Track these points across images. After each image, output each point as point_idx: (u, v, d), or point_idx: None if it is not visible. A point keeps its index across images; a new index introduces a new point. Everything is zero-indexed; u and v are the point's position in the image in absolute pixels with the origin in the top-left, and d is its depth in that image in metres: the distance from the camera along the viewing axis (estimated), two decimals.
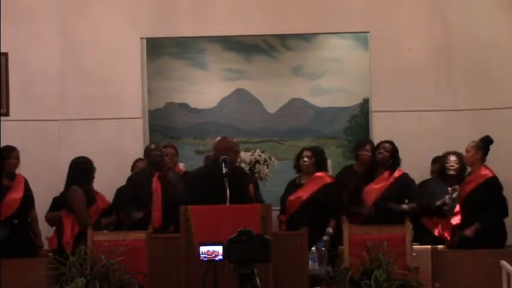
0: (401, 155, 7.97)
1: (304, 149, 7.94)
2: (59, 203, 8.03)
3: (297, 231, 6.81)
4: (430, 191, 7.84)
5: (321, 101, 10.62)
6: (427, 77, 9.03)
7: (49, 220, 8.06)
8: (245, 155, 8.87)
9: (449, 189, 7.80)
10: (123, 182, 8.10)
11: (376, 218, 7.53)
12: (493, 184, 7.63)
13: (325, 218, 7.53)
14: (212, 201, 6.56)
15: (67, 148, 8.88)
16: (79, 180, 7.84)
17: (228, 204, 6.47)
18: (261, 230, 6.27)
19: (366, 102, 10.16)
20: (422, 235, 7.52)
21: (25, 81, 9.05)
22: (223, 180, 6.53)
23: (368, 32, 9.27)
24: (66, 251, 6.70)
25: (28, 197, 7.69)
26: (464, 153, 7.80)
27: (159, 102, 10.57)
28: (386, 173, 7.72)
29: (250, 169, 8.78)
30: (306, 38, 10.48)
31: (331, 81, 10.62)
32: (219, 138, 7.08)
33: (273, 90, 10.64)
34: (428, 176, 8.21)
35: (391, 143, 7.81)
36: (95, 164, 7.95)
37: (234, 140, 7.09)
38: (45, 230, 8.06)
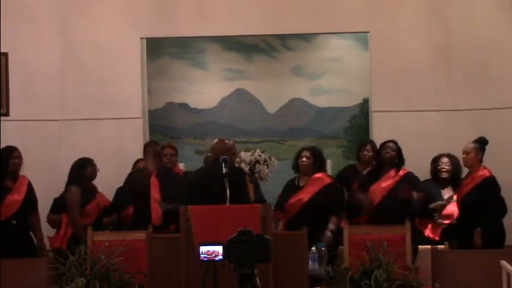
0: None
1: (303, 149, 7.94)
2: (59, 204, 8.04)
3: (297, 231, 6.80)
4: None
5: (321, 101, 10.63)
6: (427, 77, 9.03)
7: (50, 222, 8.08)
8: (245, 155, 8.87)
9: (445, 196, 7.82)
10: (123, 182, 8.11)
11: (382, 215, 7.50)
12: (490, 183, 7.64)
13: (326, 219, 7.51)
14: (212, 201, 6.56)
15: (67, 148, 8.89)
16: (76, 179, 7.86)
17: (228, 204, 6.47)
18: (261, 230, 6.27)
19: (365, 102, 10.17)
20: (413, 236, 7.51)
21: (25, 81, 9.05)
22: (223, 180, 6.53)
23: (368, 32, 9.27)
24: (65, 251, 6.70)
25: (30, 199, 7.67)
26: (463, 155, 7.79)
27: (159, 102, 10.57)
28: (392, 172, 7.72)
29: (250, 169, 8.78)
30: (306, 38, 10.49)
31: (331, 81, 10.63)
32: (216, 140, 7.10)
33: (273, 90, 10.65)
34: (428, 176, 8.21)
35: (395, 142, 7.82)
36: (96, 164, 7.96)
37: (231, 142, 7.10)
38: (47, 230, 8.07)
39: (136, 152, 8.75)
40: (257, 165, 8.88)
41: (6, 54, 8.96)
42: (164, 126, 10.61)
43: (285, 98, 10.68)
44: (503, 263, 6.31)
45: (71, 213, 7.78)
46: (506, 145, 8.63)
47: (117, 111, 9.08)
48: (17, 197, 7.58)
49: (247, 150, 9.19)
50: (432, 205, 7.72)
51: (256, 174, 8.83)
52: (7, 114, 8.97)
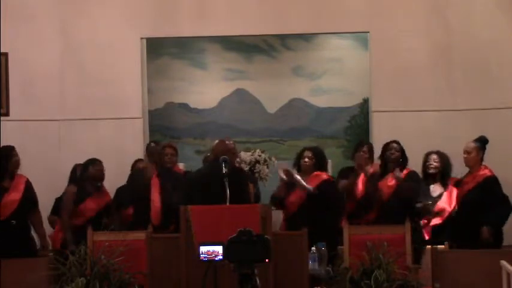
0: None
1: (305, 149, 7.94)
2: (59, 204, 8.05)
3: (297, 231, 6.80)
4: None
5: (321, 101, 10.63)
6: (427, 77, 9.03)
7: (50, 223, 8.08)
8: (245, 155, 8.88)
9: (435, 193, 7.83)
10: (123, 182, 8.11)
11: (388, 214, 7.51)
12: (492, 183, 7.64)
13: (325, 216, 7.52)
14: (212, 201, 6.56)
15: (67, 148, 8.89)
16: (75, 179, 7.86)
17: (228, 204, 6.48)
18: (261, 230, 6.27)
19: (365, 102, 10.17)
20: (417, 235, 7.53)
21: (25, 81, 9.05)
22: (223, 180, 6.53)
23: (368, 32, 9.27)
24: (65, 251, 6.70)
25: (28, 198, 7.65)
26: (464, 155, 7.79)
27: (159, 102, 10.58)
28: (396, 171, 7.74)
29: (250, 169, 8.79)
30: (306, 38, 10.50)
31: (331, 81, 10.63)
32: (216, 141, 7.10)
33: (273, 90, 10.66)
34: None
35: (398, 142, 7.83)
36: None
37: (232, 143, 7.10)
38: (49, 230, 8.07)
39: (136, 152, 8.76)
40: (257, 165, 8.88)
41: (6, 54, 8.97)
42: (164, 126, 10.61)
43: (285, 98, 10.68)
44: (503, 263, 6.31)
45: (61, 213, 7.83)
46: (506, 145, 8.63)
47: (117, 111, 9.08)
48: (14, 196, 7.55)
49: (247, 150, 9.20)
50: (418, 205, 7.69)
51: (256, 174, 8.83)
52: (7, 114, 8.97)
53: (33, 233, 7.77)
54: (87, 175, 7.88)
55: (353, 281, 6.20)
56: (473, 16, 9.02)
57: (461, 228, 7.67)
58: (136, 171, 8.16)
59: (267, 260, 5.47)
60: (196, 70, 10.73)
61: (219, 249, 5.54)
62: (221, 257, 5.54)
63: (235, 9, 9.14)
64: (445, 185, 7.85)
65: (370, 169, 7.97)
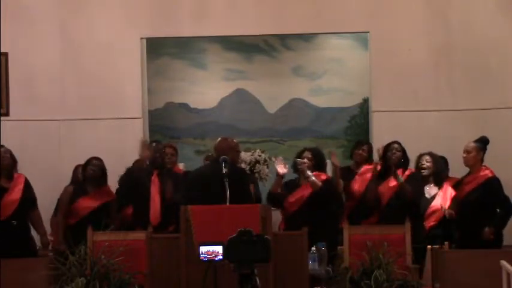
0: None
1: (304, 149, 7.94)
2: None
3: (297, 231, 6.80)
4: None
5: (321, 101, 10.63)
6: (427, 77, 9.04)
7: (51, 225, 8.07)
8: (245, 155, 8.88)
9: (430, 193, 7.83)
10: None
11: (390, 215, 7.50)
12: (494, 184, 7.64)
13: (325, 215, 7.51)
14: (212, 201, 6.56)
15: (67, 148, 8.89)
16: (75, 179, 7.87)
17: (228, 204, 6.47)
18: (261, 230, 6.27)
19: (365, 102, 10.17)
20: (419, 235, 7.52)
21: (25, 81, 9.06)
22: (224, 180, 6.53)
23: (368, 32, 9.27)
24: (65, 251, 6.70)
25: (28, 197, 7.66)
26: (463, 154, 7.79)
27: (159, 102, 10.58)
28: (399, 172, 7.71)
29: (250, 169, 8.78)
30: (306, 38, 10.50)
31: (331, 81, 10.64)
32: (219, 139, 7.08)
33: (273, 90, 10.66)
34: None
35: (399, 143, 7.81)
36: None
37: (235, 141, 7.09)
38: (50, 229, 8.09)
39: (136, 152, 8.72)
40: (257, 165, 8.88)
41: (6, 54, 8.97)
42: (164, 126, 10.61)
43: (285, 98, 10.69)
44: (503, 263, 6.31)
45: (57, 213, 7.86)
46: (506, 145, 8.63)
47: (117, 111, 9.08)
48: (14, 196, 7.56)
49: (247, 150, 9.19)
50: None
51: (256, 174, 8.83)
52: (7, 114, 8.97)
53: (32, 233, 7.79)
54: (84, 175, 7.88)
55: (353, 281, 6.20)
56: (474, 16, 9.02)
57: (462, 228, 7.67)
58: (137, 169, 8.12)
59: (267, 260, 5.47)
60: (196, 70, 10.73)
61: (219, 249, 5.54)
62: (221, 257, 5.54)
63: (235, 9, 9.15)
64: (439, 186, 7.86)
65: (368, 168, 7.98)
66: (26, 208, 7.64)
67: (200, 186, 6.87)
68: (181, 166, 8.70)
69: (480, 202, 7.57)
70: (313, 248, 6.64)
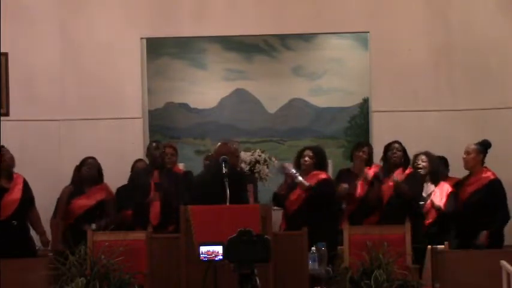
0: None
1: (305, 148, 7.94)
2: None
3: (297, 231, 6.80)
4: None
5: (321, 101, 10.63)
6: (427, 77, 9.03)
7: (51, 226, 8.06)
8: (245, 155, 8.88)
9: (429, 190, 7.85)
10: (123, 182, 8.10)
11: (391, 214, 7.50)
12: (497, 186, 7.65)
13: (324, 215, 7.51)
14: (212, 201, 6.57)
15: (67, 148, 8.89)
16: (74, 180, 7.89)
17: (228, 204, 6.48)
18: (261, 230, 6.27)
19: (365, 102, 10.17)
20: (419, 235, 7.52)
21: (25, 81, 9.05)
22: (224, 180, 6.53)
23: (368, 32, 9.27)
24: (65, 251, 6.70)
25: (27, 197, 7.67)
26: (463, 155, 7.79)
27: (159, 102, 10.58)
28: (399, 171, 7.72)
29: (250, 169, 8.78)
30: (306, 38, 10.50)
31: (331, 81, 10.64)
32: (219, 143, 7.10)
33: (273, 90, 10.66)
34: None
35: (399, 143, 7.82)
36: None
37: (235, 146, 7.10)
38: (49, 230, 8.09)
39: (136, 152, 8.76)
40: (257, 165, 8.88)
41: (6, 54, 8.97)
42: (164, 126, 10.61)
43: (285, 98, 10.69)
44: (503, 263, 6.31)
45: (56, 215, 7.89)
46: (506, 145, 8.63)
47: (117, 111, 9.08)
48: (14, 196, 7.57)
49: (247, 150, 9.19)
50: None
51: (256, 174, 8.83)
52: (7, 114, 8.97)
53: (32, 233, 7.79)
54: (80, 175, 7.88)
55: (353, 281, 6.20)
56: (474, 16, 9.02)
57: (462, 229, 7.67)
58: (136, 172, 8.14)
59: (267, 260, 5.47)
60: (196, 70, 10.73)
61: (219, 249, 5.54)
62: (221, 257, 5.54)
63: (235, 9, 9.14)
64: (436, 184, 7.88)
65: (370, 170, 7.96)
66: (26, 208, 7.65)
67: (200, 187, 6.89)
68: (181, 166, 8.71)
69: (482, 204, 7.59)
70: (313, 248, 6.64)
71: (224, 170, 6.60)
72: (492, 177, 7.68)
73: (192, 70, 10.73)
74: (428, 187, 7.86)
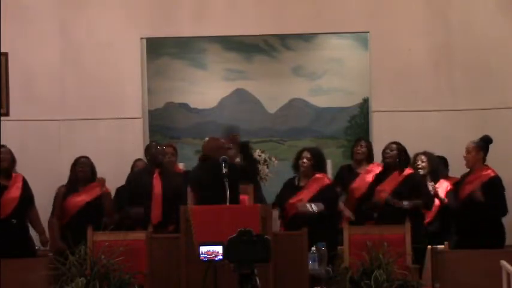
0: None
1: (303, 149, 7.92)
2: None
3: (297, 231, 6.80)
4: None
5: (321, 101, 10.63)
6: (427, 77, 9.03)
7: (48, 226, 8.06)
8: None
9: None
10: (123, 182, 8.10)
11: (386, 216, 7.48)
12: (497, 183, 7.64)
13: (325, 219, 7.50)
14: (212, 201, 6.58)
15: (67, 148, 8.88)
16: (70, 179, 7.90)
17: (228, 204, 6.48)
18: (261, 230, 6.28)
19: (365, 102, 10.17)
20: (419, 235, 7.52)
21: (25, 81, 9.05)
22: (223, 180, 6.54)
23: (368, 32, 9.27)
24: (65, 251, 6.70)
25: (26, 196, 7.68)
26: (464, 154, 7.79)
27: (159, 102, 10.58)
28: (396, 173, 7.68)
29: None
30: (306, 38, 10.49)
31: (331, 81, 10.63)
32: (207, 138, 7.13)
33: (273, 90, 10.65)
34: None
35: (397, 143, 7.77)
36: (95, 164, 7.95)
37: (222, 140, 7.12)
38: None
39: (136, 152, 8.76)
40: (257, 165, 8.87)
41: (6, 54, 8.97)
42: (164, 126, 10.61)
43: (285, 98, 10.68)
44: (503, 263, 6.31)
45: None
46: (506, 145, 8.62)
47: (117, 111, 9.08)
48: (13, 194, 7.59)
49: None
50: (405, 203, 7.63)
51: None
52: (7, 114, 8.97)
53: (31, 232, 7.80)
54: (75, 175, 7.88)
55: (353, 281, 6.21)
56: (474, 16, 9.02)
57: (462, 227, 7.67)
58: (135, 172, 8.13)
59: (267, 260, 5.47)
60: (196, 70, 10.73)
61: (219, 249, 5.55)
62: (221, 257, 5.55)
63: (235, 9, 9.14)
64: (435, 181, 7.89)
65: (368, 175, 7.97)
66: (25, 206, 7.66)
67: (200, 187, 6.90)
68: (181, 166, 8.71)
69: (483, 201, 7.58)
70: (313, 248, 6.64)
71: (224, 170, 6.60)
72: (492, 174, 7.68)
73: (192, 70, 10.72)
74: (431, 186, 7.88)
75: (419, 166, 7.91)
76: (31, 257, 7.34)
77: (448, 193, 7.82)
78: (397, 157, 7.65)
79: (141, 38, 9.25)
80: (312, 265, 6.60)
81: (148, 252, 6.70)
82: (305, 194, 7.61)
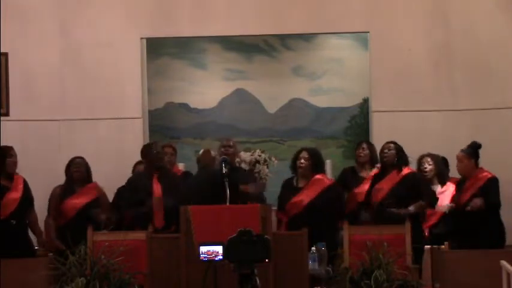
0: None
1: (301, 149, 7.92)
2: None
3: (296, 232, 6.80)
4: None
5: (321, 101, 10.62)
6: (427, 77, 9.03)
7: (44, 226, 8.05)
8: (245, 155, 8.85)
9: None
10: (123, 182, 8.09)
11: (377, 221, 7.48)
12: (492, 184, 7.63)
13: (326, 219, 7.49)
14: (212, 201, 6.58)
15: (67, 148, 8.88)
16: (67, 179, 7.90)
17: (228, 204, 6.48)
18: (261, 230, 6.28)
19: (365, 102, 10.17)
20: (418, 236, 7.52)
21: (25, 81, 9.05)
22: (224, 180, 6.54)
23: (368, 32, 9.27)
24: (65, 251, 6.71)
25: (27, 197, 7.69)
26: (457, 165, 7.78)
27: (159, 102, 10.57)
28: (394, 173, 7.67)
29: (250, 169, 8.76)
30: (306, 38, 10.48)
31: (331, 81, 10.62)
32: (202, 150, 7.19)
33: (273, 90, 10.64)
34: None
35: (394, 143, 7.77)
36: (95, 164, 7.96)
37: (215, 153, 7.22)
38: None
39: (136, 152, 8.71)
40: (257, 165, 8.86)
41: (6, 54, 8.97)
42: (164, 126, 10.60)
43: (285, 98, 10.67)
44: (503, 263, 6.32)
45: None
46: (506, 145, 8.63)
47: (117, 111, 9.08)
48: (15, 195, 7.60)
49: (247, 150, 9.17)
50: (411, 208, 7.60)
51: (256, 174, 8.81)
52: (7, 114, 8.97)
53: (30, 233, 7.80)
54: (70, 176, 7.88)
55: (353, 281, 6.21)
56: (474, 16, 9.02)
57: (464, 230, 7.67)
58: (135, 175, 8.10)
59: (267, 260, 5.47)
60: (196, 70, 10.72)
61: (219, 249, 5.55)
62: (221, 257, 5.55)
63: (235, 9, 9.14)
64: (443, 185, 7.88)
65: (372, 174, 7.96)
66: (25, 208, 7.67)
67: (200, 187, 6.91)
68: (181, 166, 8.70)
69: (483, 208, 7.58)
70: (313, 248, 6.64)
71: (224, 170, 6.61)
72: (489, 176, 7.67)
73: (192, 70, 10.71)
74: (437, 189, 7.87)
75: (426, 169, 7.90)
76: (31, 257, 7.34)
77: (454, 198, 7.81)
78: (396, 156, 7.66)
79: (141, 38, 9.25)
80: (312, 265, 6.60)
81: (148, 252, 6.70)
82: (305, 196, 7.61)
